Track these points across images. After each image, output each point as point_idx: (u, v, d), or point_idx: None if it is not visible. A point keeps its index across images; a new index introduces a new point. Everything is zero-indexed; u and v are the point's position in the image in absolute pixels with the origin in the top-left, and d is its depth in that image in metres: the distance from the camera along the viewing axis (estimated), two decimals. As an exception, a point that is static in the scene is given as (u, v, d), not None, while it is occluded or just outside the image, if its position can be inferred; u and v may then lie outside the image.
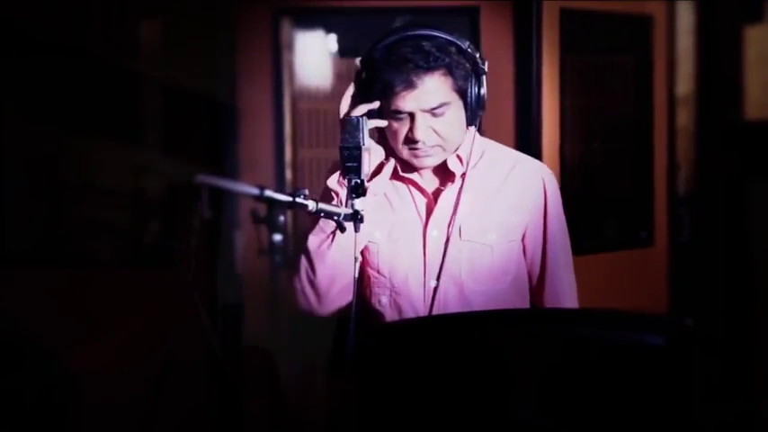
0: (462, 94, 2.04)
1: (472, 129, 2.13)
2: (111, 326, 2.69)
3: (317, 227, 2.07)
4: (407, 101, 2.00)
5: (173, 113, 3.82)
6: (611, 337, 1.54)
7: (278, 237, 1.64)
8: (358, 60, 2.10)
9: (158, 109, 3.82)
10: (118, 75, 3.67)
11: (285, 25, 3.93)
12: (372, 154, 2.07)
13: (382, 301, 2.15)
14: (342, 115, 2.06)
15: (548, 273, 2.18)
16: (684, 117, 4.16)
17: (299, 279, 2.13)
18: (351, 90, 2.10)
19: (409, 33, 2.02)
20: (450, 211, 2.11)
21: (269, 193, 1.67)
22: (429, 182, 2.15)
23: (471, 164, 2.13)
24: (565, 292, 2.19)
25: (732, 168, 3.86)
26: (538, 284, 2.20)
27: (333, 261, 2.07)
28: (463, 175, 2.11)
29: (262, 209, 1.65)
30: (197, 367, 2.90)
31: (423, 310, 2.12)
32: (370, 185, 2.02)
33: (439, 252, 2.11)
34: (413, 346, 1.60)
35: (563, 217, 2.21)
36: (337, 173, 2.07)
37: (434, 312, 2.11)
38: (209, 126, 3.88)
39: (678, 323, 1.53)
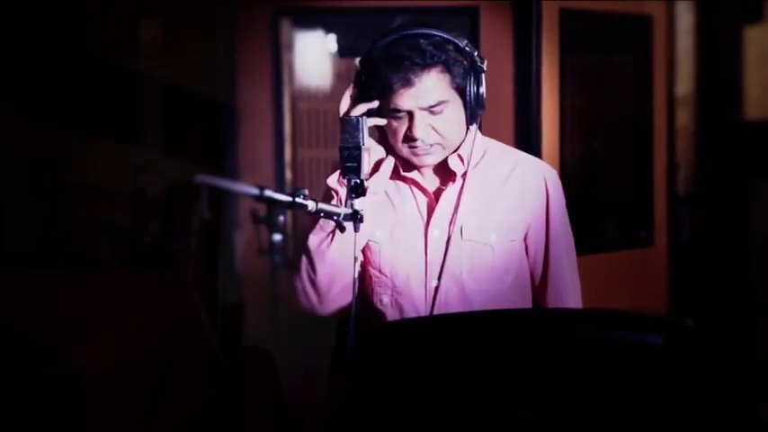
0: (461, 92, 2.04)
1: (474, 128, 2.13)
2: (111, 326, 2.69)
3: (317, 226, 2.08)
4: (405, 99, 2.00)
5: (173, 113, 3.82)
6: (611, 337, 1.54)
7: (278, 237, 1.65)
8: (357, 60, 2.11)
9: (158, 109, 3.82)
10: (118, 75, 3.67)
11: (285, 25, 3.93)
12: (372, 154, 2.07)
13: (383, 300, 2.16)
14: (341, 115, 2.07)
15: (550, 272, 2.18)
16: (684, 117, 4.16)
17: (300, 278, 2.13)
18: (350, 90, 2.11)
19: (407, 32, 2.03)
20: (452, 211, 2.12)
21: (269, 193, 1.67)
22: (430, 181, 2.15)
23: (473, 163, 2.13)
24: (568, 291, 2.19)
25: (732, 168, 3.86)
26: (541, 283, 2.20)
27: (333, 260, 2.07)
28: (464, 174, 2.11)
29: (261, 209, 1.66)
30: (197, 367, 2.90)
31: (424, 310, 2.12)
32: (369, 185, 2.02)
33: (440, 252, 2.11)
34: (413, 345, 1.60)
35: (566, 216, 2.21)
36: (337, 172, 2.07)
37: (435, 312, 2.11)
38: (209, 126, 3.88)
39: (678, 323, 1.53)
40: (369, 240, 2.16)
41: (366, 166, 1.97)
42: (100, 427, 2.55)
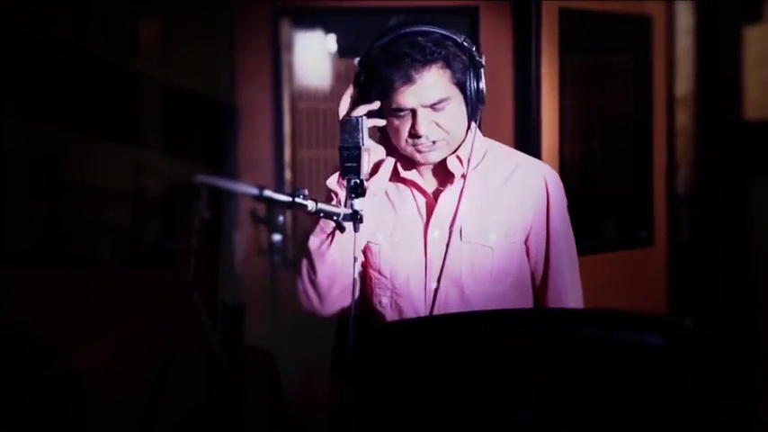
0: (462, 87, 2.04)
1: (474, 129, 2.13)
2: (111, 326, 2.69)
3: (318, 227, 2.08)
4: (407, 96, 2.00)
5: (172, 113, 3.82)
6: (610, 337, 1.54)
7: (277, 237, 1.65)
8: (356, 61, 2.11)
9: (158, 109, 3.82)
10: (118, 75, 3.67)
11: (284, 25, 3.93)
12: (372, 154, 2.07)
13: (383, 302, 2.16)
14: (341, 116, 2.07)
15: (551, 273, 2.17)
16: (684, 117, 4.16)
17: (301, 280, 2.13)
18: (350, 91, 2.11)
19: (405, 31, 2.03)
20: (451, 213, 2.11)
21: (268, 193, 1.67)
22: (430, 183, 2.15)
23: (473, 165, 2.12)
24: (568, 293, 2.18)
25: (732, 168, 3.86)
26: (541, 285, 2.19)
27: (333, 261, 2.07)
28: (463, 176, 2.11)
29: (261, 209, 1.66)
30: (197, 367, 2.90)
31: (423, 312, 2.12)
32: (369, 185, 2.02)
33: (440, 253, 2.11)
34: (413, 346, 1.60)
35: (567, 217, 2.20)
36: (337, 173, 2.07)
37: (435, 314, 2.11)
38: (209, 126, 3.88)
39: (678, 323, 1.53)
40: (369, 242, 2.16)
41: (366, 167, 1.97)
42: (100, 427, 2.55)
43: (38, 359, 2.51)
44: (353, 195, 1.95)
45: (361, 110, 2.03)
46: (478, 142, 2.15)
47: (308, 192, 1.82)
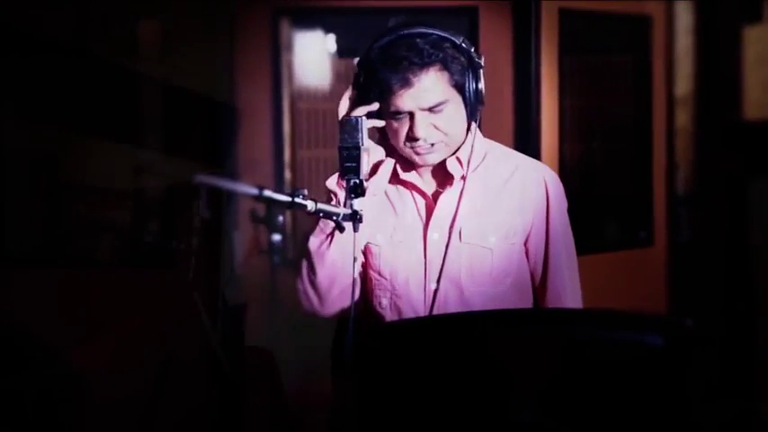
0: (460, 89, 2.04)
1: (474, 130, 2.13)
2: (111, 326, 2.69)
3: (317, 228, 2.08)
4: (405, 99, 2.00)
5: (172, 113, 3.82)
6: (610, 337, 1.54)
7: (277, 237, 1.65)
8: (356, 61, 2.11)
9: (158, 109, 3.82)
10: (118, 75, 3.67)
11: (284, 25, 3.93)
12: (372, 155, 2.07)
13: (383, 303, 2.16)
14: (341, 116, 2.07)
15: (549, 274, 2.17)
16: (683, 117, 4.16)
17: (301, 280, 2.13)
18: (349, 92, 2.11)
19: (403, 33, 2.02)
20: (450, 214, 2.11)
21: (268, 193, 1.67)
22: (429, 184, 2.15)
23: (473, 166, 2.12)
24: (566, 294, 2.18)
25: (732, 168, 3.86)
26: (540, 286, 2.19)
27: (332, 261, 2.07)
28: (463, 177, 2.11)
29: (261, 209, 1.66)
30: (197, 367, 2.90)
31: (423, 313, 2.12)
32: (368, 185, 2.02)
33: (439, 255, 2.10)
34: (412, 346, 1.60)
35: (566, 219, 2.20)
36: (336, 174, 2.08)
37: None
38: (209, 126, 3.88)
39: (677, 323, 1.53)
40: (369, 243, 2.16)
41: (365, 167, 1.97)
42: (100, 427, 2.55)
43: (38, 359, 2.50)
44: (353, 195, 1.95)
45: (361, 110, 2.03)
46: (478, 144, 2.14)
47: (308, 192, 1.82)
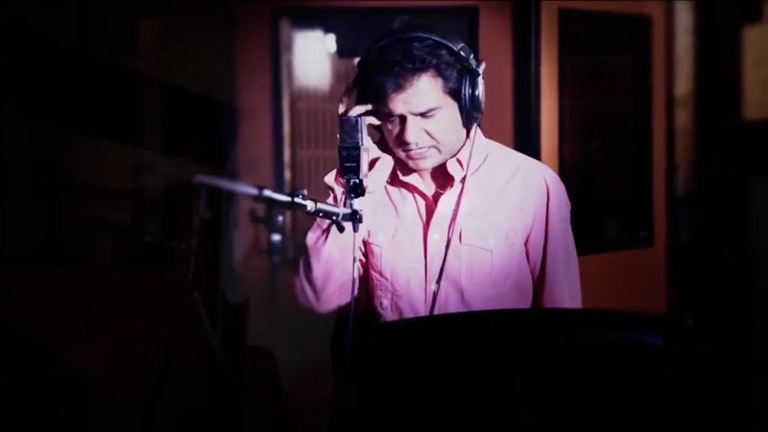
0: (455, 96, 2.03)
1: (475, 131, 2.13)
2: (111, 326, 2.69)
3: (315, 224, 2.08)
4: (397, 103, 2.00)
5: (172, 113, 3.82)
6: (610, 336, 1.54)
7: (276, 237, 1.65)
8: (356, 61, 2.11)
9: (158, 109, 3.82)
10: (118, 75, 3.66)
11: (284, 25, 3.93)
12: (372, 155, 2.07)
13: (383, 303, 2.16)
14: (339, 115, 2.07)
15: (547, 276, 2.17)
16: (683, 117, 4.16)
17: (298, 276, 2.14)
18: (350, 89, 2.11)
19: (401, 36, 2.02)
20: (451, 216, 2.11)
21: (268, 193, 1.67)
22: (430, 185, 2.15)
23: (473, 168, 2.12)
24: (564, 296, 2.17)
25: (731, 168, 3.86)
26: (538, 287, 2.19)
27: (328, 257, 2.07)
28: (463, 179, 2.11)
29: (261, 209, 1.66)
30: (197, 367, 2.90)
31: (423, 314, 2.12)
32: (367, 184, 2.02)
33: (440, 256, 2.10)
34: (412, 346, 1.61)
35: (566, 221, 2.19)
36: (335, 170, 2.08)
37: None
38: (209, 126, 3.88)
39: (677, 323, 1.53)
40: (371, 243, 2.16)
41: (365, 166, 1.98)
42: (100, 427, 2.55)
43: (38, 359, 2.51)
44: (353, 195, 1.95)
45: (358, 111, 2.03)
46: (480, 145, 2.14)
47: (308, 192, 1.82)
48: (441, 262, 2.10)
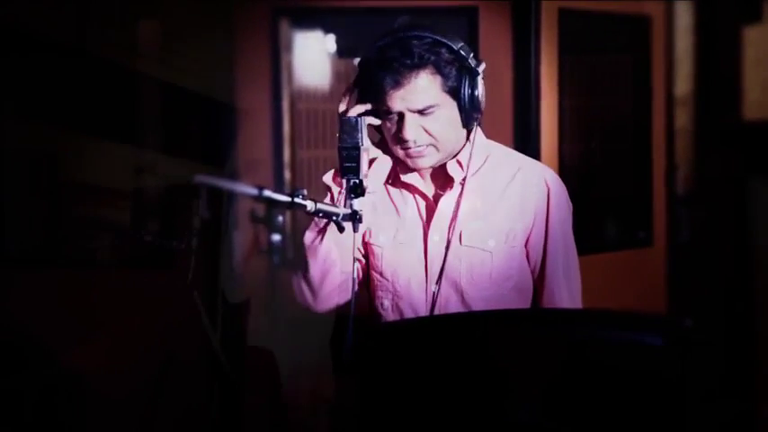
0: (454, 94, 2.03)
1: (475, 134, 2.13)
2: (111, 326, 2.69)
3: (313, 222, 2.08)
4: (395, 100, 2.00)
5: (172, 113, 3.82)
6: (609, 337, 1.54)
7: (276, 237, 1.65)
8: (356, 61, 2.11)
9: (158, 109, 3.82)
10: (117, 75, 3.66)
11: (284, 26, 3.93)
12: (371, 155, 2.07)
13: (384, 304, 2.16)
14: (340, 114, 2.07)
15: (547, 277, 2.16)
16: (683, 117, 4.16)
17: (296, 274, 2.14)
18: (350, 90, 2.11)
19: (401, 35, 2.02)
20: (451, 217, 2.11)
21: (267, 193, 1.67)
22: (431, 186, 2.15)
23: (474, 169, 2.12)
24: (562, 298, 2.16)
25: (731, 168, 3.86)
26: (537, 288, 2.19)
27: (324, 257, 2.07)
28: (464, 180, 2.11)
29: (261, 209, 1.66)
30: (197, 367, 2.90)
31: (424, 315, 2.12)
32: (367, 184, 2.02)
33: (440, 257, 2.10)
34: (412, 346, 1.61)
35: (567, 222, 2.18)
36: (333, 170, 2.08)
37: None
38: (209, 126, 3.88)
39: (677, 323, 1.53)
40: (372, 244, 2.16)
41: (365, 167, 1.97)
42: (100, 427, 2.55)
43: (38, 359, 2.51)
44: (353, 196, 1.95)
45: (358, 110, 2.03)
46: (480, 146, 2.14)
47: (308, 192, 1.82)
48: (441, 263, 2.10)
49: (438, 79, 2.00)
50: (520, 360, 1.53)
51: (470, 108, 2.04)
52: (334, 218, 1.91)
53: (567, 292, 2.17)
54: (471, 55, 2.05)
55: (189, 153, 3.80)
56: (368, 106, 2.04)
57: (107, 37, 3.65)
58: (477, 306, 2.10)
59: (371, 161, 2.10)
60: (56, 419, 2.50)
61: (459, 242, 2.10)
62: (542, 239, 2.14)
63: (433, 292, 2.11)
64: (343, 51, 3.99)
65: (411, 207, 2.15)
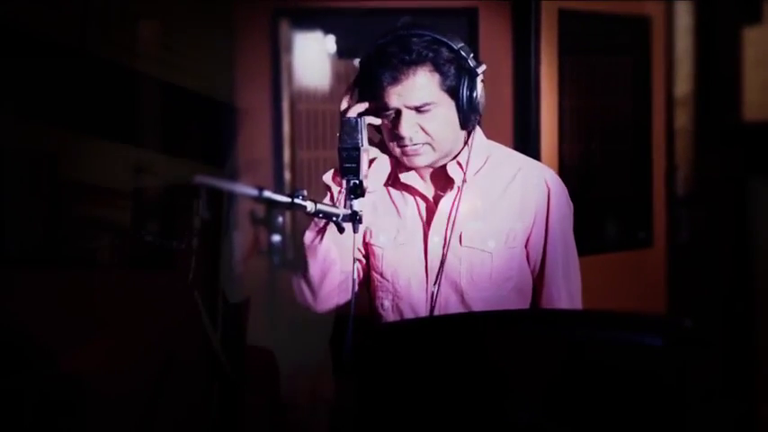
0: (452, 94, 2.03)
1: (475, 134, 2.13)
2: (111, 326, 2.69)
3: (312, 222, 2.09)
4: (392, 96, 2.00)
5: (172, 113, 3.82)
6: (609, 337, 1.54)
7: (276, 238, 1.65)
8: (357, 61, 2.11)
9: (158, 109, 3.82)
10: (117, 74, 3.66)
11: (284, 26, 3.93)
12: (372, 156, 2.07)
13: (384, 304, 2.16)
14: (340, 113, 2.07)
15: (546, 277, 2.16)
16: (683, 118, 4.16)
17: (297, 274, 2.14)
18: (350, 90, 2.11)
19: (402, 33, 2.02)
20: (451, 218, 2.11)
21: (267, 193, 1.67)
22: (431, 188, 2.15)
23: (474, 169, 2.12)
24: (561, 298, 2.16)
25: (731, 169, 3.86)
26: (537, 288, 2.19)
27: (324, 256, 2.07)
28: (463, 181, 2.11)
29: (261, 210, 1.66)
30: (197, 367, 2.90)
31: (424, 316, 2.12)
32: (367, 184, 2.02)
33: (440, 258, 2.10)
34: (412, 346, 1.61)
35: (567, 223, 2.18)
36: (333, 169, 2.08)
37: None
38: (209, 126, 3.88)
39: (676, 324, 1.53)
40: (372, 245, 2.16)
41: (365, 167, 1.98)
42: (100, 428, 2.55)
43: (38, 359, 2.51)
44: (353, 196, 1.95)
45: (357, 108, 2.03)
46: (480, 147, 2.14)
47: (308, 193, 1.82)
48: (441, 264, 2.10)
49: (436, 77, 2.00)
50: (520, 361, 1.54)
51: (468, 109, 2.04)
52: (335, 219, 1.91)
53: (566, 293, 2.17)
54: (471, 56, 2.05)
55: (189, 153, 3.80)
56: (365, 105, 2.04)
57: (107, 37, 3.65)
58: (477, 307, 2.10)
59: (371, 161, 2.10)
60: (56, 419, 2.50)
61: (459, 243, 2.10)
62: (542, 240, 2.14)
63: (433, 293, 2.11)
64: (343, 52, 3.99)
65: (411, 208, 2.15)
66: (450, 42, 2.02)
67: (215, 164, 3.79)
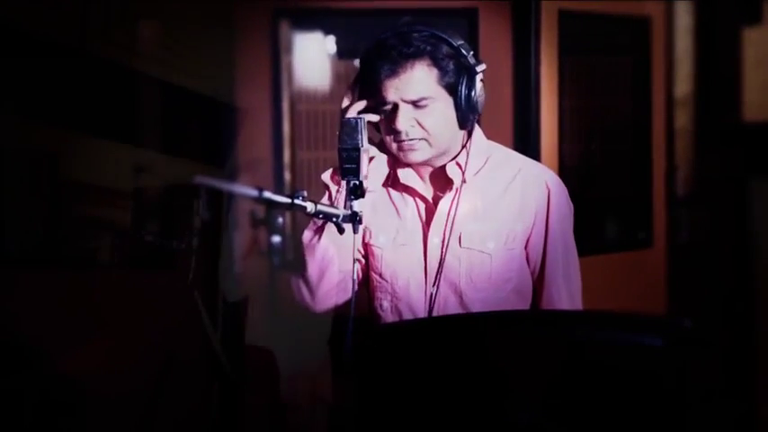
0: (451, 90, 2.03)
1: (475, 135, 2.13)
2: (111, 326, 2.69)
3: (311, 222, 2.08)
4: (390, 90, 2.00)
5: (172, 113, 3.82)
6: (609, 338, 1.54)
7: (276, 238, 1.65)
8: (357, 61, 2.11)
9: (158, 109, 3.82)
10: (117, 74, 3.66)
11: (284, 27, 3.93)
12: (371, 155, 2.07)
13: (383, 305, 2.16)
14: (341, 111, 2.07)
15: (546, 278, 2.16)
16: (683, 118, 4.16)
17: (295, 273, 2.14)
18: (350, 88, 2.11)
19: (403, 29, 2.03)
20: (450, 218, 2.11)
21: (267, 194, 1.67)
22: (430, 189, 2.15)
23: (474, 170, 2.12)
24: (561, 299, 2.16)
25: (731, 169, 3.86)
26: (537, 289, 2.19)
27: (322, 255, 2.07)
28: (463, 182, 2.11)
29: (260, 210, 1.66)
30: (197, 367, 2.90)
31: (423, 316, 2.11)
32: (367, 185, 2.01)
33: (439, 259, 2.10)
34: (412, 347, 1.61)
35: (567, 223, 2.17)
36: (331, 169, 2.08)
37: (434, 317, 2.12)
38: (209, 126, 3.88)
39: (676, 324, 1.53)
40: (372, 245, 2.16)
41: (365, 168, 1.97)
42: (100, 428, 2.55)
43: (38, 359, 2.51)
44: (353, 197, 1.95)
45: (357, 106, 2.03)
46: (480, 148, 2.14)
47: (308, 193, 1.82)
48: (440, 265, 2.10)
49: (434, 72, 2.00)
50: (520, 361, 1.54)
51: (466, 106, 2.03)
52: (334, 219, 1.91)
53: (566, 293, 2.17)
54: (471, 53, 2.04)
55: (189, 153, 3.80)
56: (362, 103, 2.04)
57: (107, 37, 3.65)
58: (476, 308, 2.10)
59: (370, 160, 2.10)
60: (56, 420, 2.50)
61: (458, 244, 2.10)
62: (542, 241, 2.14)
63: (432, 294, 2.11)
64: (343, 53, 3.99)
65: (411, 209, 2.15)
66: (449, 39, 2.02)
67: (215, 164, 3.79)
